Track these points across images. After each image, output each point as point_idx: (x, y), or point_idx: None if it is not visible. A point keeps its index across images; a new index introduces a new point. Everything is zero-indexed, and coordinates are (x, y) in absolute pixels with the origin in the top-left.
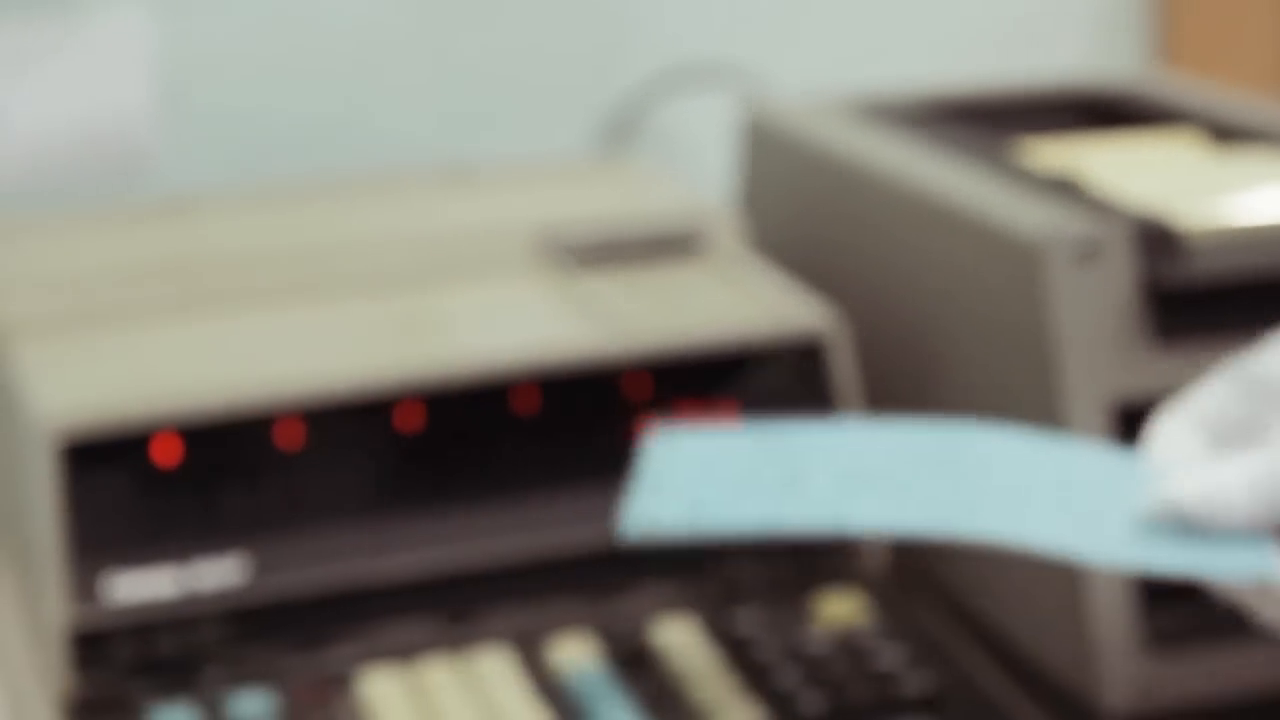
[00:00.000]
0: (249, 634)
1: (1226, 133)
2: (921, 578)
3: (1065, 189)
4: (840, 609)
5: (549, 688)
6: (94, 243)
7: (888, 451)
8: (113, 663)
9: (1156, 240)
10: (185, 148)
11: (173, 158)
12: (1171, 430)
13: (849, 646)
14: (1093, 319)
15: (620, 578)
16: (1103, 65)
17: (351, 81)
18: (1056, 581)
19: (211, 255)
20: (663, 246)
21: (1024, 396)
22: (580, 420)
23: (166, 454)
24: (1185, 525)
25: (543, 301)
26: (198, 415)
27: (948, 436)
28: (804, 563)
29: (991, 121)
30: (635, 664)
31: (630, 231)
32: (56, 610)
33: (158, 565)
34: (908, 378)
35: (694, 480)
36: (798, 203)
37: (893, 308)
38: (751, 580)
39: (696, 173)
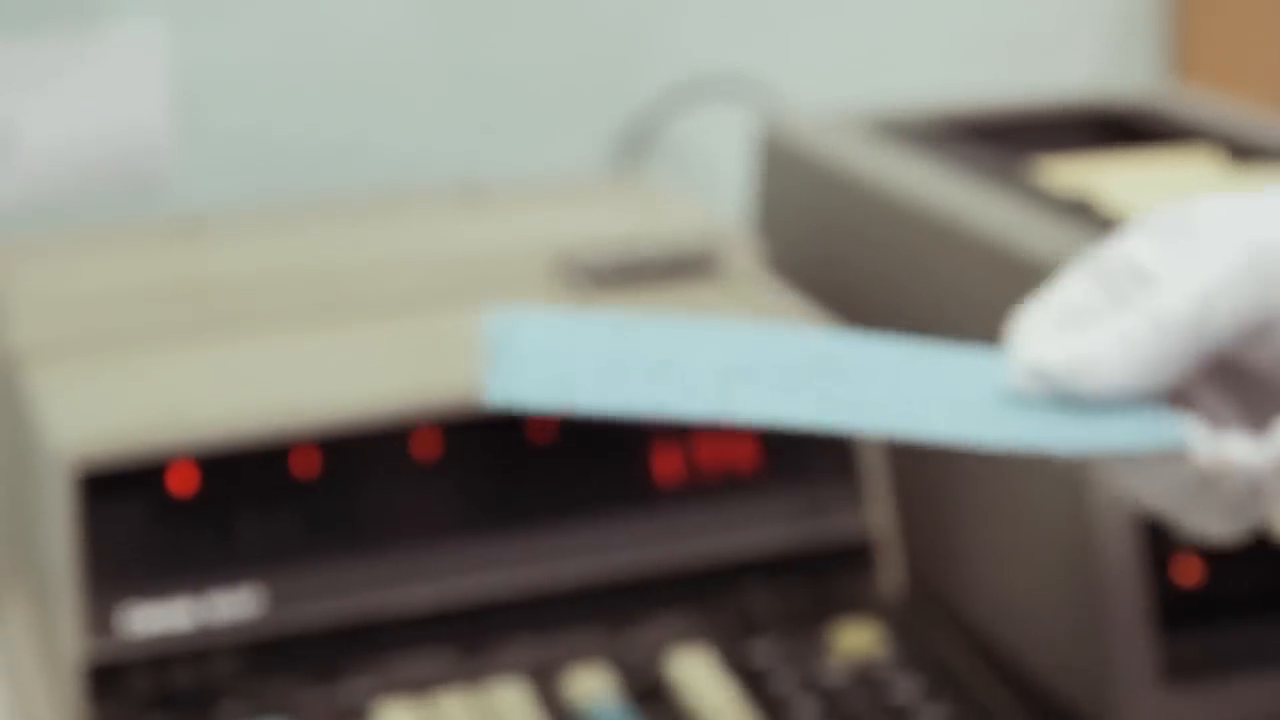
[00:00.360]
0: (264, 666)
1: (1244, 151)
2: (938, 606)
3: (1080, 209)
4: (857, 640)
5: None
6: (106, 264)
7: (762, 349)
8: (128, 695)
9: None
10: (198, 166)
11: (186, 176)
12: (1032, 322)
13: (866, 678)
14: None
15: (636, 609)
16: (1117, 76)
17: (365, 99)
18: (1074, 611)
19: (225, 277)
20: (679, 268)
21: None
22: (597, 449)
23: (183, 483)
24: (1055, 393)
25: None
26: (214, 444)
27: (825, 338)
28: (820, 592)
29: (1006, 139)
30: (651, 697)
31: (647, 253)
32: (72, 643)
33: (173, 597)
34: None
35: (556, 358)
36: (813, 221)
37: (909, 328)
38: (767, 610)
39: (712, 187)
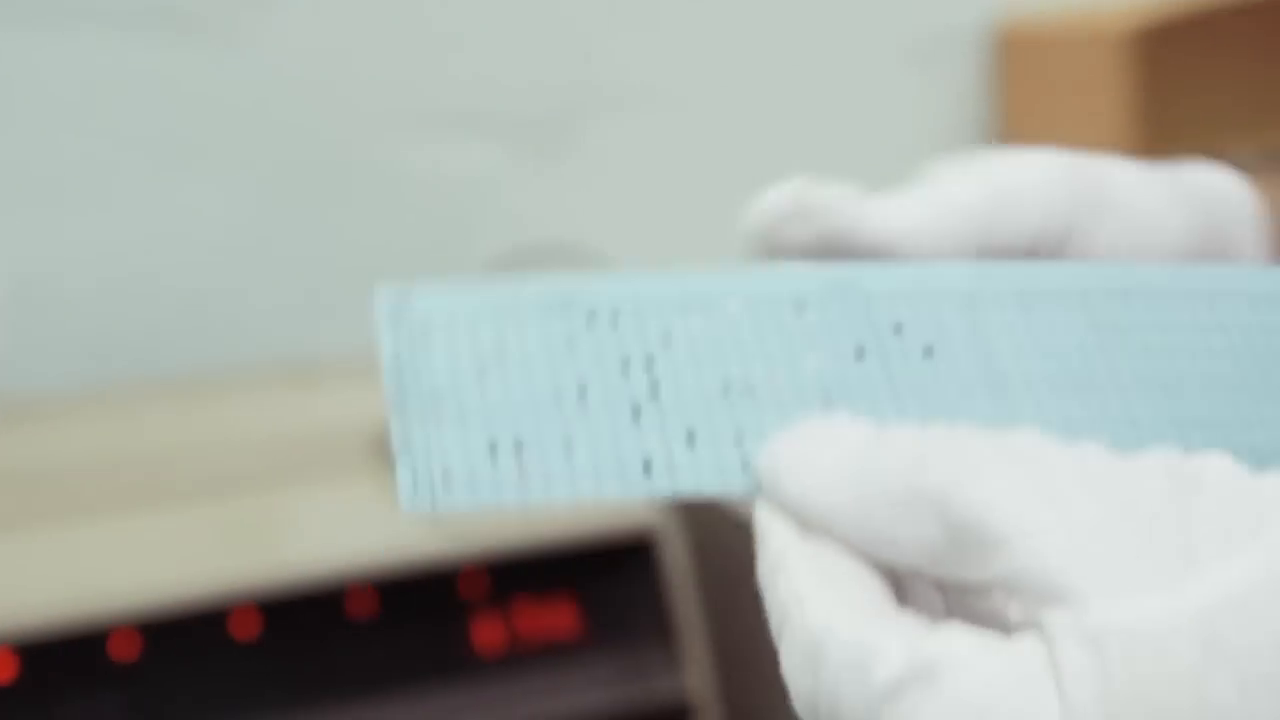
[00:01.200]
0: None
1: None
2: None
3: None
4: None
5: None
6: None
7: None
8: None
9: None
10: (25, 349)
11: (12, 360)
12: None
13: None
14: None
15: None
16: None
17: (193, 279)
18: None
19: (50, 463)
20: None
21: None
22: (417, 621)
23: (1, 671)
24: None
25: (381, 502)
26: (32, 630)
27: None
28: None
29: None
30: None
31: None
32: None
33: None
34: None
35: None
36: None
37: None
38: None
39: None
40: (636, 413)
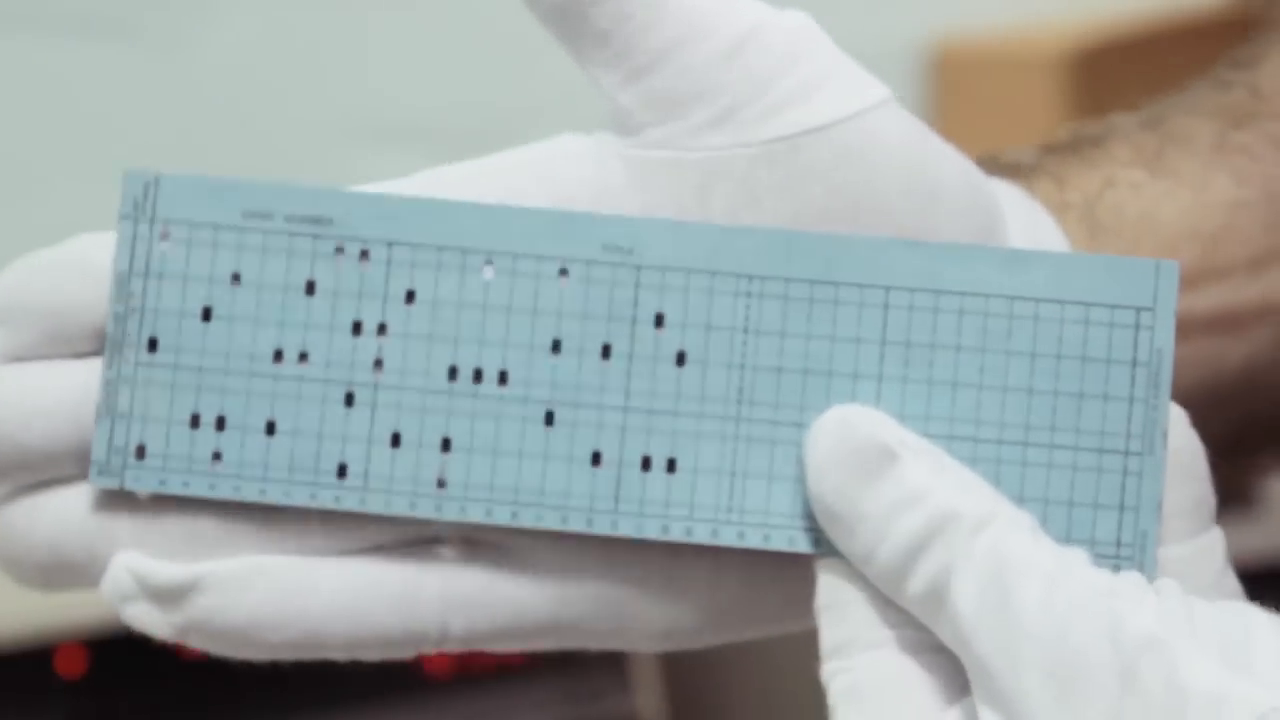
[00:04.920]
0: None
1: None
2: None
3: None
4: None
5: None
6: None
7: None
8: None
9: None
10: None
11: None
12: None
13: None
14: None
15: None
16: None
17: None
18: None
19: None
20: None
21: None
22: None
23: None
24: None
25: None
26: None
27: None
28: None
29: None
30: None
31: None
32: None
33: None
34: None
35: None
36: None
37: None
38: None
39: None
40: (350, 397)
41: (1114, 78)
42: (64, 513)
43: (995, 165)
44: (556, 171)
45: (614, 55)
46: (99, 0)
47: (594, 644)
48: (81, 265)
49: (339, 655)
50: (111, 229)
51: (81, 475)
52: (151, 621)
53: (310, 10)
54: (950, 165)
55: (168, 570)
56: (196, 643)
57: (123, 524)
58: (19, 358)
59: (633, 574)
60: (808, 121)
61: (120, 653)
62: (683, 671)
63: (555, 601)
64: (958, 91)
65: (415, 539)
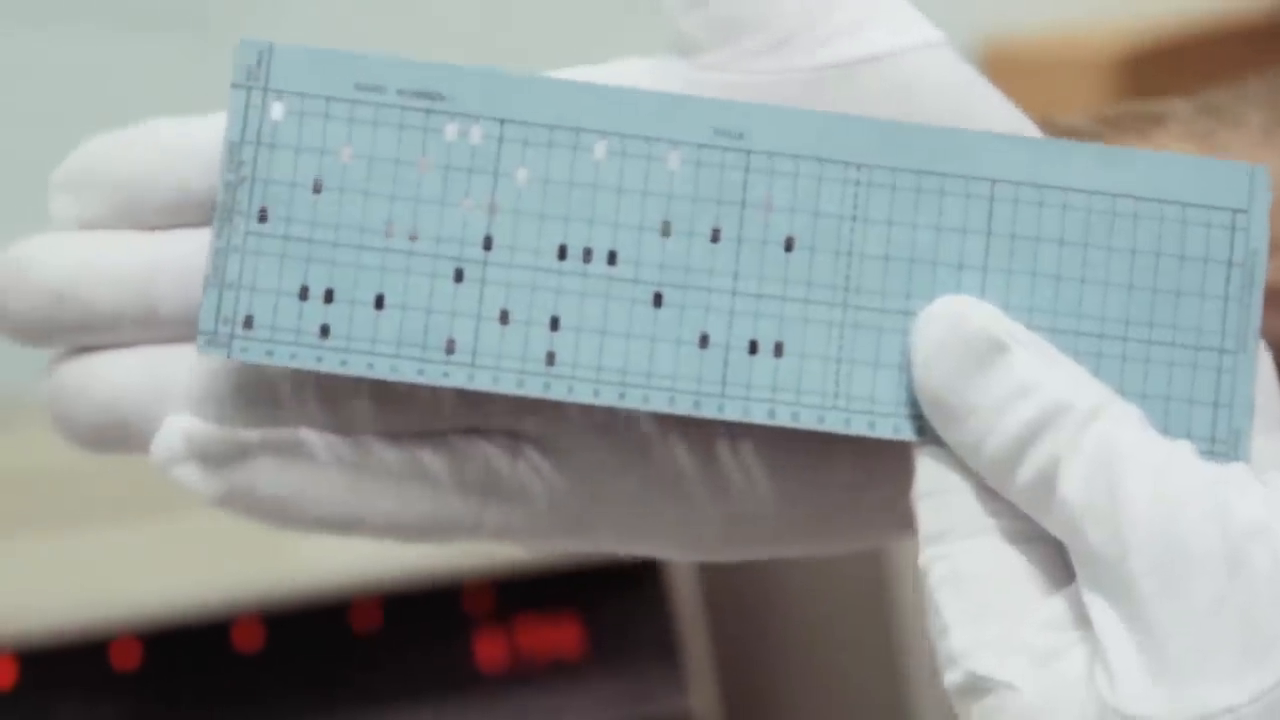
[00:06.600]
0: None
1: None
2: None
3: None
4: None
5: None
6: None
7: None
8: None
9: None
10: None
11: (14, 358)
12: None
13: None
14: None
15: None
16: None
17: None
18: None
19: (51, 468)
20: None
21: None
22: (420, 635)
23: (1, 677)
24: None
25: None
26: (33, 637)
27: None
28: None
29: None
30: None
31: None
32: None
33: None
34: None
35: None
36: None
37: None
38: None
39: None
40: (460, 273)
41: (1161, 80)
42: (123, 373)
43: (1050, 127)
44: None
45: None
46: None
47: (630, 548)
48: (154, 142)
49: (375, 535)
50: None
51: (140, 341)
52: (197, 484)
53: (374, 1)
54: (1000, 114)
55: (218, 434)
56: (239, 510)
57: (179, 389)
58: (89, 228)
59: (670, 473)
60: (859, 52)
61: (175, 646)
62: (738, 671)
63: (593, 497)
64: (1005, 92)
65: (460, 428)
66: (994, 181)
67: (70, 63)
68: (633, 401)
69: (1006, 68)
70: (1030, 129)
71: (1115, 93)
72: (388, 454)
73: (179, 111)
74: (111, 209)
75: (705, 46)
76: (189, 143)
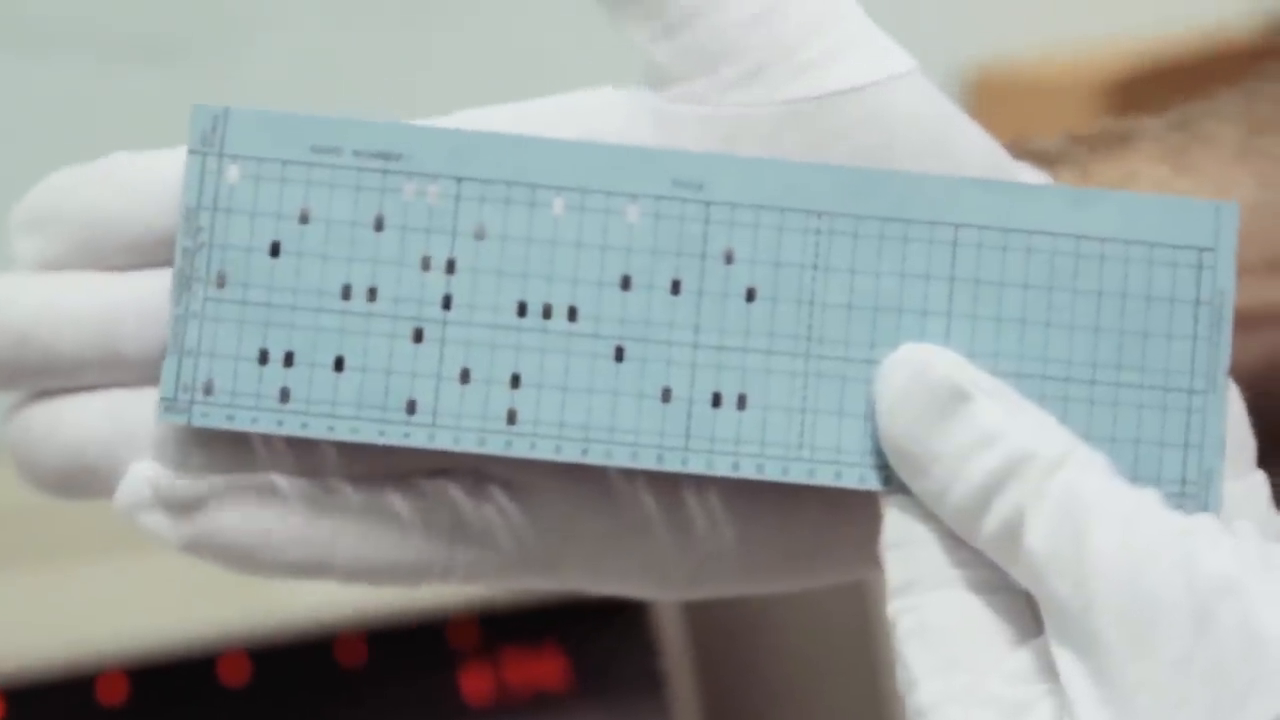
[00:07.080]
0: None
1: None
2: None
3: None
4: None
5: None
6: None
7: None
8: None
9: None
10: None
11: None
12: None
13: None
14: None
15: None
16: None
17: None
18: None
19: (35, 501)
20: None
21: None
22: (405, 670)
23: None
24: None
25: None
26: (18, 674)
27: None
28: None
29: None
30: None
31: None
32: None
33: None
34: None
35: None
36: None
37: None
38: None
39: None
40: (419, 333)
41: (1149, 105)
42: (87, 418)
43: (1022, 151)
44: (589, 120)
45: (647, 11)
46: (146, 24)
47: (598, 588)
48: (116, 179)
49: (344, 579)
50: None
51: (103, 384)
52: (163, 532)
53: (358, 32)
54: (975, 142)
55: (183, 482)
56: (205, 556)
57: (144, 433)
58: (51, 267)
59: (637, 515)
60: (833, 84)
61: (161, 681)
62: (723, 704)
63: (560, 538)
64: (995, 117)
65: (427, 470)
66: (958, 226)
67: (46, 94)
68: (596, 457)
69: (995, 93)
70: (1005, 159)
71: (1104, 117)
72: (355, 497)
73: (157, 144)
74: (74, 248)
75: (676, 78)
76: (152, 177)
